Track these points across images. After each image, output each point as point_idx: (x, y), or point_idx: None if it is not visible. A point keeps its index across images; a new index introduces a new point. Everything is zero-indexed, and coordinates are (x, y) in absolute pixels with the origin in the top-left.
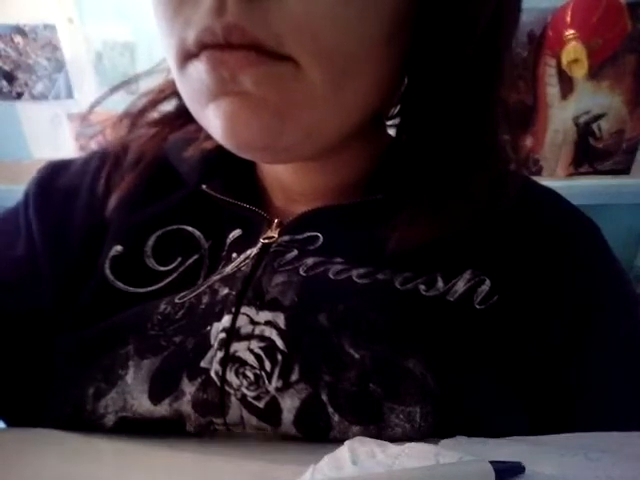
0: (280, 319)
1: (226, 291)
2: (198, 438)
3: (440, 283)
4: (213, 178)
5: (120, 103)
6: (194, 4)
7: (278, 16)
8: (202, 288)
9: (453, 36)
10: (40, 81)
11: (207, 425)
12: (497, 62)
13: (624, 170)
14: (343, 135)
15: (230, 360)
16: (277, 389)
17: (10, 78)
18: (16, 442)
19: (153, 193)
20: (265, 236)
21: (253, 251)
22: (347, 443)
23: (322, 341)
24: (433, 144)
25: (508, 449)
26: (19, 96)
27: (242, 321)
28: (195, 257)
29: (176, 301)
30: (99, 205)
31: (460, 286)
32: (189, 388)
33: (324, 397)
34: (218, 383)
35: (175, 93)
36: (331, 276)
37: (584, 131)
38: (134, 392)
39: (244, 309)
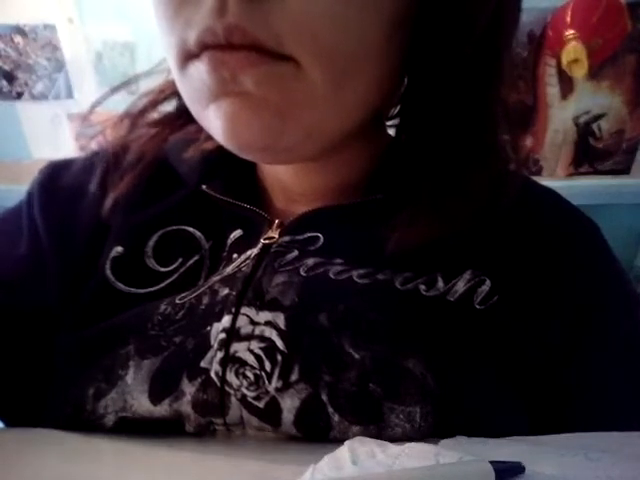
0: (280, 319)
1: (226, 291)
2: (198, 438)
3: (440, 283)
4: (213, 178)
5: (120, 103)
6: (195, 4)
7: (279, 16)
8: (202, 289)
9: (453, 36)
10: (40, 81)
11: (207, 425)
12: (497, 62)
13: (624, 170)
14: (343, 135)
15: (230, 360)
16: (277, 389)
17: (10, 78)
18: (16, 442)
19: (153, 194)
20: (266, 236)
21: (253, 251)
22: (347, 443)
23: (322, 341)
24: (433, 144)
25: (508, 449)
26: (19, 96)
27: (242, 321)
28: (196, 258)
29: (176, 301)
30: (101, 205)
31: (460, 286)
32: (189, 388)
33: (324, 397)
34: (218, 383)
35: (175, 93)
36: (331, 276)
37: (584, 131)
38: (134, 392)
39: (244, 309)
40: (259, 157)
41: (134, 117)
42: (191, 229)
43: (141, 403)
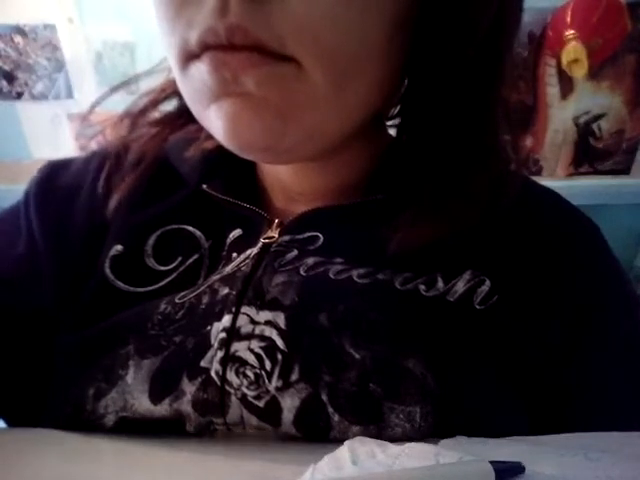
0: (280, 319)
1: (226, 291)
2: (198, 438)
3: (440, 283)
4: (214, 178)
5: (120, 103)
6: (197, 5)
7: (280, 17)
8: (202, 288)
9: (454, 37)
10: (40, 81)
11: (207, 425)
12: (498, 63)
13: (624, 170)
14: (344, 135)
15: (230, 360)
16: (277, 389)
17: (10, 78)
18: (16, 442)
19: (154, 193)
20: (265, 236)
21: (253, 251)
22: (347, 443)
23: (322, 341)
24: (433, 144)
25: (508, 449)
26: (19, 96)
27: (242, 321)
28: (195, 257)
29: (176, 301)
30: (100, 205)
31: (460, 286)
32: (189, 388)
33: (324, 397)
34: (218, 383)
35: (176, 93)
36: (331, 276)
37: (584, 131)
38: (134, 392)
39: (244, 309)
40: (260, 157)
41: (134, 117)
42: (191, 228)
43: (141, 403)
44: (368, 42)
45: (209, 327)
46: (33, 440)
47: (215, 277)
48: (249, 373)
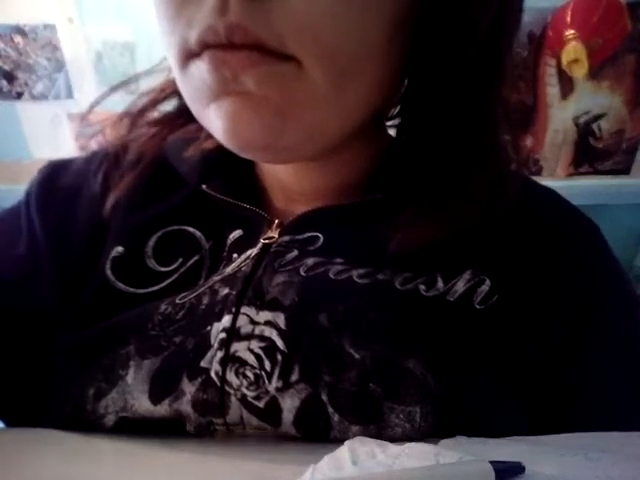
0: (280, 319)
1: (226, 291)
2: (198, 438)
3: (440, 283)
4: (213, 178)
5: (120, 103)
6: (197, 4)
7: (280, 16)
8: (203, 288)
9: (455, 37)
10: (40, 81)
11: (207, 425)
12: (498, 63)
13: (624, 170)
14: (344, 135)
15: (230, 360)
16: (277, 389)
17: (10, 78)
18: (16, 442)
19: (153, 193)
20: (265, 236)
21: (253, 251)
22: (347, 443)
23: (322, 341)
24: (433, 144)
25: (508, 449)
26: (19, 96)
27: (242, 321)
28: (196, 258)
29: (177, 301)
30: (100, 205)
31: (460, 286)
32: (189, 388)
33: (324, 397)
34: (218, 383)
35: (176, 92)
36: (331, 276)
37: (584, 131)
38: (134, 392)
39: (244, 309)
40: (260, 156)
41: (134, 116)
42: (191, 229)
43: (141, 403)
44: (368, 42)
45: (209, 327)
46: (33, 440)
47: (216, 278)
48: (249, 373)
